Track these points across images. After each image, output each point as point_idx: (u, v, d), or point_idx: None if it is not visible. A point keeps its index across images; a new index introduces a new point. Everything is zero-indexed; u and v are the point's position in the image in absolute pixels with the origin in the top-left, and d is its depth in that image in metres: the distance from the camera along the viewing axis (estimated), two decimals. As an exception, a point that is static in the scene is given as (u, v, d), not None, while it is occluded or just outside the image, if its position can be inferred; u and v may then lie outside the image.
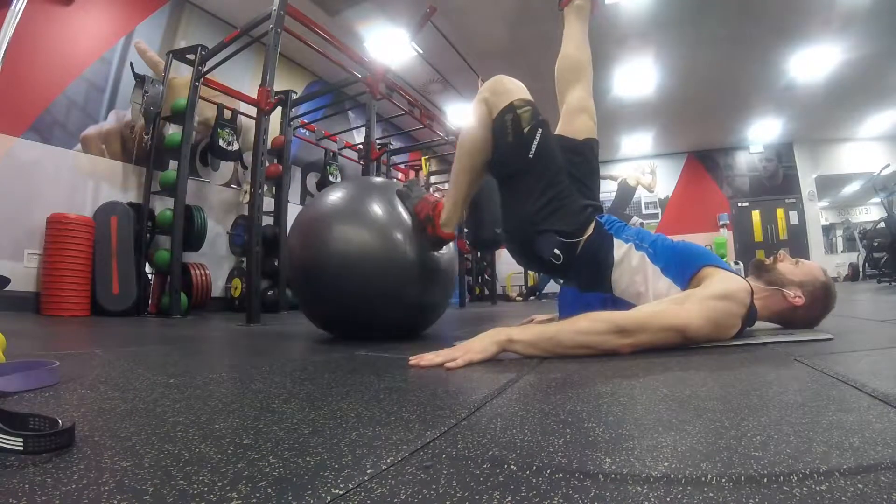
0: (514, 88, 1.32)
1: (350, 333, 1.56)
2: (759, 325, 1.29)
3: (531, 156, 1.28)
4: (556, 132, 1.50)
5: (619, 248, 1.27)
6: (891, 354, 0.93)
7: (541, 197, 1.29)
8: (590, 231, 1.31)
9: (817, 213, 9.11)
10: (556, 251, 1.28)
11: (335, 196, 1.56)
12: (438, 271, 1.55)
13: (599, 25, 5.19)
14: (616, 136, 8.92)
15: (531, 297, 8.12)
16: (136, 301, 3.42)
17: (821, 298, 1.29)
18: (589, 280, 1.32)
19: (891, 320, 1.60)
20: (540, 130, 1.29)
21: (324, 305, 1.55)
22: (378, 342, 1.41)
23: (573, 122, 1.50)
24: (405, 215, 1.50)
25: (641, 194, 8.90)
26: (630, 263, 1.25)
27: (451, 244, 1.60)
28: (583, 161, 1.43)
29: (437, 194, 1.52)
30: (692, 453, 0.40)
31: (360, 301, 1.43)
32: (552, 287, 7.18)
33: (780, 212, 9.11)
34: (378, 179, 1.84)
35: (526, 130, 1.28)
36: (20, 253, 3.20)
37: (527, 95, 1.32)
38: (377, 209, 1.48)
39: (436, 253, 1.54)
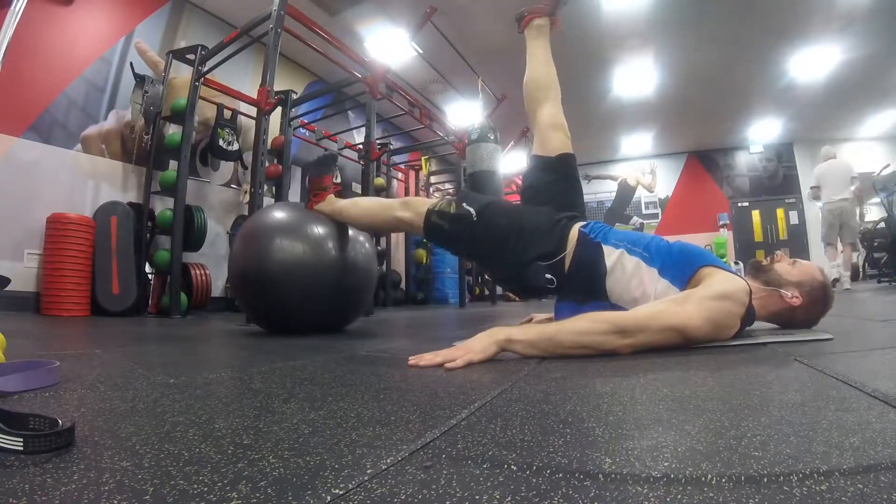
0: (419, 200, 1.55)
1: (284, 324, 1.83)
2: (757, 324, 1.29)
3: (475, 218, 1.39)
4: (532, 153, 1.60)
5: (611, 255, 1.26)
6: (891, 354, 0.93)
7: (508, 238, 1.36)
8: (572, 243, 1.31)
9: (817, 214, 9.09)
10: (547, 276, 1.31)
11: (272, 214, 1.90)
12: (356, 262, 1.86)
13: (599, 26, 5.20)
14: (616, 137, 8.91)
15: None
16: (136, 301, 3.41)
17: (818, 299, 1.28)
18: (584, 292, 1.31)
19: (891, 320, 1.60)
20: (464, 202, 1.42)
21: (262, 302, 1.82)
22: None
23: (547, 140, 1.57)
24: (321, 229, 1.77)
25: (641, 194, 8.90)
26: (624, 270, 1.24)
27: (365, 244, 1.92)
28: (558, 177, 1.52)
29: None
30: (692, 453, 0.40)
31: (290, 291, 1.72)
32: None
33: (780, 212, 9.10)
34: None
35: (454, 211, 1.43)
36: (20, 253, 3.20)
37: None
38: (299, 220, 1.81)
39: (352, 250, 1.84)
